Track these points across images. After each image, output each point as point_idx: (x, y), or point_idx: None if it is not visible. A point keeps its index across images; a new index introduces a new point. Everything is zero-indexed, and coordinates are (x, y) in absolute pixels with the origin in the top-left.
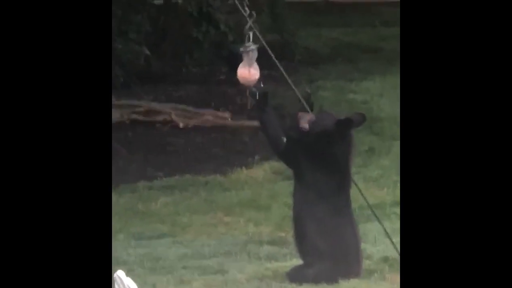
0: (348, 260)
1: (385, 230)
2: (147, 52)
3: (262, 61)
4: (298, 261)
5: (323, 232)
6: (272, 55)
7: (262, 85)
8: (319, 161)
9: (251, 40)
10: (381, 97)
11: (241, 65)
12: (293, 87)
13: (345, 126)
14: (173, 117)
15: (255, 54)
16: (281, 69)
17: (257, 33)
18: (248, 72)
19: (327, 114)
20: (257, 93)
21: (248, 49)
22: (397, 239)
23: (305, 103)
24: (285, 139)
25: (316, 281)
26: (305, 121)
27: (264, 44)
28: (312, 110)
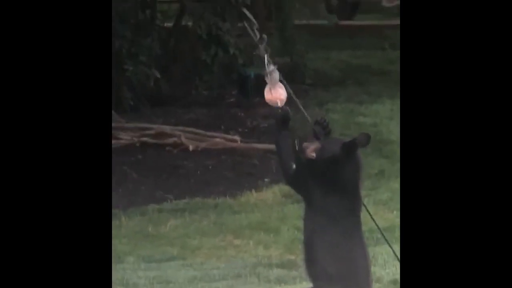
0: (358, 284)
1: (394, 253)
2: (157, 75)
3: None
4: (307, 284)
5: (334, 256)
6: (281, 77)
7: (285, 108)
8: (328, 186)
9: (268, 61)
10: (390, 120)
11: (266, 88)
12: (302, 108)
13: (350, 148)
14: (183, 139)
15: (277, 74)
16: (290, 90)
17: (267, 56)
18: (276, 93)
19: (334, 140)
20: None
21: (268, 71)
22: None
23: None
24: (294, 165)
25: None
26: (312, 150)
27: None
28: (328, 135)
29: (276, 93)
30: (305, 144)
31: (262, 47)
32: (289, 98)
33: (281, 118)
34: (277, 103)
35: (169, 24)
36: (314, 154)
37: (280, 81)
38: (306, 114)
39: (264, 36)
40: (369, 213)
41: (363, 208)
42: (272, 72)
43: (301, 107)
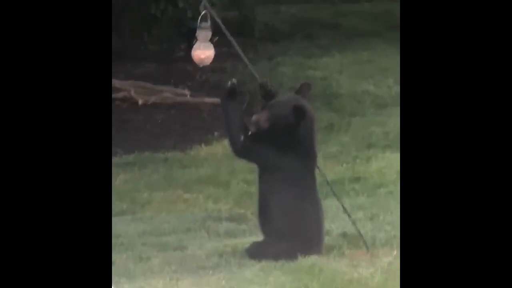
0: (310, 239)
1: (343, 206)
2: None
3: (222, 38)
4: (257, 238)
5: (287, 215)
6: (227, 33)
7: (233, 80)
8: (284, 149)
9: (208, 19)
10: (340, 73)
11: (195, 46)
12: (248, 63)
13: (301, 112)
14: (132, 94)
15: (208, 34)
16: (237, 47)
17: (211, 12)
18: (202, 52)
19: (282, 102)
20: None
21: (201, 29)
22: (355, 215)
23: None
24: (242, 137)
25: (275, 257)
26: (264, 121)
27: (219, 22)
28: (273, 96)
29: (203, 52)
30: (254, 117)
31: (203, 1)
32: (237, 53)
33: (228, 91)
34: (202, 63)
35: None
36: (267, 125)
37: (210, 40)
38: (253, 71)
39: None
40: (318, 167)
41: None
42: (206, 31)
43: (248, 63)
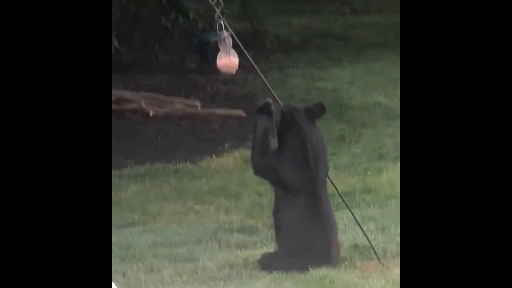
0: (317, 254)
1: (355, 217)
2: (116, 44)
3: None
4: (268, 249)
5: (295, 230)
6: (240, 43)
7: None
8: (284, 160)
9: (223, 28)
10: (351, 84)
11: (219, 55)
12: (261, 75)
13: (288, 120)
14: (143, 105)
15: (230, 41)
16: (249, 57)
17: (224, 22)
18: (228, 60)
19: (279, 108)
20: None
21: (221, 38)
22: (366, 227)
23: (273, 92)
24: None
25: (286, 269)
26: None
27: (232, 33)
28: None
29: (229, 60)
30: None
31: (217, 12)
32: (250, 64)
33: (261, 107)
34: (230, 70)
35: None
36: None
37: (233, 47)
38: (265, 81)
39: (220, 1)
40: (329, 178)
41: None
42: (227, 39)
43: (260, 73)
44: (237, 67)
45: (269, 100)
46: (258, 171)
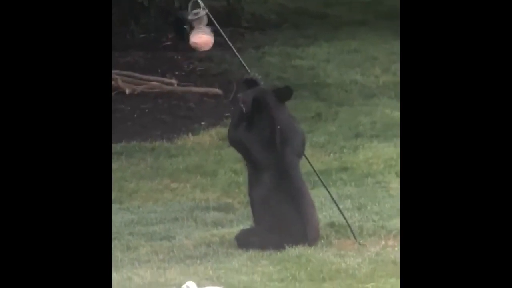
0: (293, 235)
1: (331, 195)
2: None
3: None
4: (244, 227)
5: (266, 208)
6: (215, 21)
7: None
8: (254, 139)
9: (199, 6)
10: (327, 62)
11: (192, 33)
12: (237, 53)
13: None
14: (120, 83)
15: (204, 20)
16: (224, 36)
17: (199, 1)
18: (202, 37)
19: (250, 91)
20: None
21: (197, 16)
22: (343, 205)
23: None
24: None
25: (263, 247)
26: (240, 100)
27: (207, 11)
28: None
29: (202, 37)
30: (239, 95)
31: None
32: (225, 42)
33: (246, 81)
34: (203, 48)
35: None
36: (243, 105)
37: (207, 26)
38: (241, 59)
39: None
40: (305, 157)
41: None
42: (202, 18)
43: (236, 51)
44: (211, 45)
45: (256, 75)
46: (231, 142)
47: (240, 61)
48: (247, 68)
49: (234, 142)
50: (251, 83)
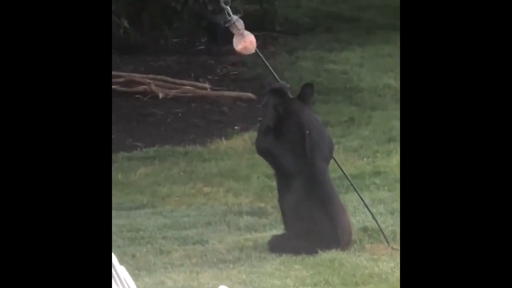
0: (324, 238)
1: (363, 200)
2: (126, 24)
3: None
4: (278, 232)
5: (297, 214)
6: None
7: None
8: (282, 146)
9: (231, 14)
10: (361, 67)
11: (235, 39)
12: (264, 60)
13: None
14: (153, 87)
15: (241, 24)
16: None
17: (228, 11)
18: (245, 41)
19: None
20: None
21: (232, 22)
22: (376, 210)
23: (277, 76)
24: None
25: (295, 251)
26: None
27: (240, 16)
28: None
29: (247, 41)
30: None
31: None
32: (259, 45)
33: (274, 89)
34: (251, 50)
35: None
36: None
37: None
38: (270, 67)
39: None
40: (336, 162)
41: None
42: (237, 22)
43: (264, 59)
44: (256, 45)
45: (284, 82)
46: (259, 152)
47: (269, 69)
48: (275, 75)
49: (262, 151)
50: (278, 92)
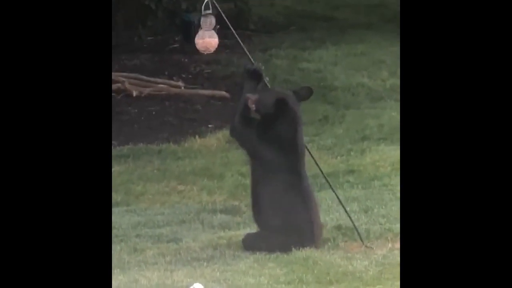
0: (301, 235)
1: (338, 198)
2: None
3: (217, 29)
4: (251, 230)
5: (275, 208)
6: (228, 22)
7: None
8: (267, 140)
9: (209, 8)
10: (334, 65)
11: (199, 33)
12: (247, 53)
13: (282, 105)
14: (127, 86)
15: (212, 21)
16: (236, 36)
17: (213, 1)
18: (205, 40)
19: (269, 92)
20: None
21: (206, 16)
22: (350, 207)
23: (252, 59)
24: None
25: (269, 249)
26: (252, 101)
27: (221, 12)
28: (260, 82)
29: (207, 40)
30: (248, 94)
31: None
32: (233, 43)
33: (250, 71)
34: (207, 50)
35: None
36: (253, 106)
37: (215, 28)
38: (251, 58)
39: None
40: (313, 159)
41: (307, 153)
42: (211, 19)
43: (247, 51)
44: (215, 47)
45: (259, 64)
46: (234, 134)
47: (245, 51)
48: (250, 58)
49: (240, 134)
50: (253, 73)
